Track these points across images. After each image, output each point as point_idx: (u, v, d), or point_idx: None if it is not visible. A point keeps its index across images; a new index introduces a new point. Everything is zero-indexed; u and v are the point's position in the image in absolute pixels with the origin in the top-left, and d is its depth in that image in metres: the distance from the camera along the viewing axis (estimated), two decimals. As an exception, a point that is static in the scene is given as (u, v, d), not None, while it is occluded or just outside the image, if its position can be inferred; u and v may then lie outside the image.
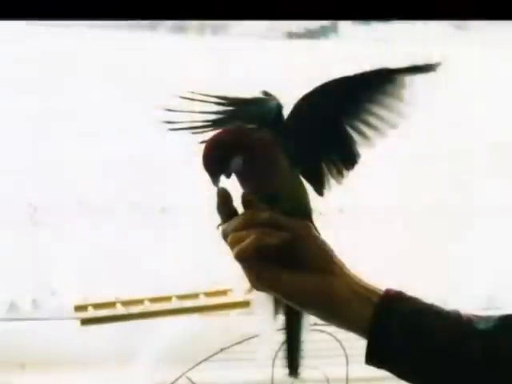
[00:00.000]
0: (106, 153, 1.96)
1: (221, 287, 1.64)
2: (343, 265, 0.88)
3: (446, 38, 1.94)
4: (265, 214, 0.86)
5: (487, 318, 0.86)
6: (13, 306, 1.88)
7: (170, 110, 0.92)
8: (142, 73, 1.96)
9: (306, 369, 0.94)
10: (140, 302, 1.62)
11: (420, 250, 1.88)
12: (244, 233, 0.85)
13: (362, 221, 1.88)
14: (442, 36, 1.93)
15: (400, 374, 0.87)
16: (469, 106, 1.92)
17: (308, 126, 0.88)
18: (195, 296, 1.63)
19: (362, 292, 0.86)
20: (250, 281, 0.87)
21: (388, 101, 0.87)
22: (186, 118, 0.93)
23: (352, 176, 0.94)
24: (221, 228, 0.86)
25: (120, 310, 1.60)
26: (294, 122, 0.88)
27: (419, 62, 0.85)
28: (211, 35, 1.98)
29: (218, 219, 0.88)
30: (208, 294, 1.63)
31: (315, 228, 0.88)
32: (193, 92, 0.93)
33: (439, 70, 0.85)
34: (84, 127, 1.93)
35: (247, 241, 0.84)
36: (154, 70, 1.96)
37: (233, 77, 1.86)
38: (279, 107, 0.91)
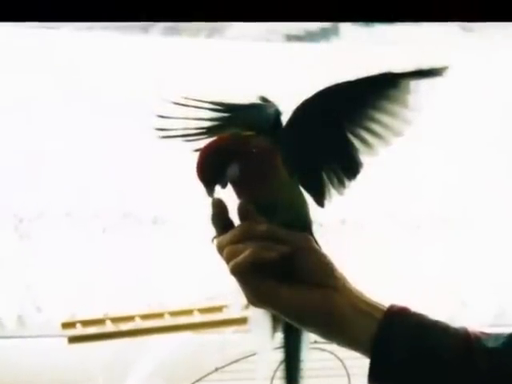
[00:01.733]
0: (95, 161, 1.96)
1: (216, 303, 1.64)
2: (345, 279, 0.88)
3: (452, 40, 1.94)
4: (262, 226, 0.86)
5: (496, 336, 0.86)
6: (-4, 323, 1.87)
7: (162, 117, 0.92)
8: (133, 78, 1.96)
9: (306, 389, 0.93)
10: (131, 318, 1.62)
11: (426, 264, 1.88)
12: (240, 246, 0.85)
13: (364, 233, 1.88)
14: (447, 38, 1.93)
15: None
16: (475, 111, 1.92)
17: (308, 133, 0.88)
18: (189, 312, 1.63)
19: (364, 308, 0.86)
20: (247, 296, 0.87)
21: (392, 107, 0.87)
22: (180, 125, 0.93)
23: (354, 186, 0.94)
24: (216, 241, 0.86)
25: (110, 327, 1.60)
26: (293, 128, 0.88)
27: (425, 65, 0.85)
28: (206, 38, 1.98)
29: (212, 231, 0.88)
30: (202, 311, 1.63)
31: (315, 241, 0.88)
32: (186, 97, 0.92)
33: (446, 73, 0.85)
34: (72, 135, 1.93)
35: (244, 254, 0.84)
36: (145, 74, 1.97)
37: (229, 81, 1.86)
38: (277, 113, 0.91)
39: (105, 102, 2.00)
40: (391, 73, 0.85)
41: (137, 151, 1.91)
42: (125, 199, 1.91)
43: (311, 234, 0.89)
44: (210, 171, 0.87)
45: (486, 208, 1.92)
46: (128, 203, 1.91)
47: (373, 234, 1.90)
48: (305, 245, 0.87)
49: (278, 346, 0.93)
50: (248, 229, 0.86)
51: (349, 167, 0.91)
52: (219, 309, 1.63)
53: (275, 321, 0.92)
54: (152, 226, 1.91)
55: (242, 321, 1.56)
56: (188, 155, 0.89)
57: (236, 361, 1.40)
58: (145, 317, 1.62)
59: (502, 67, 1.92)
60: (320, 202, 0.90)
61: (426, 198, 1.90)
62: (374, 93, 0.87)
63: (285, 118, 0.89)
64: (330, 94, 0.86)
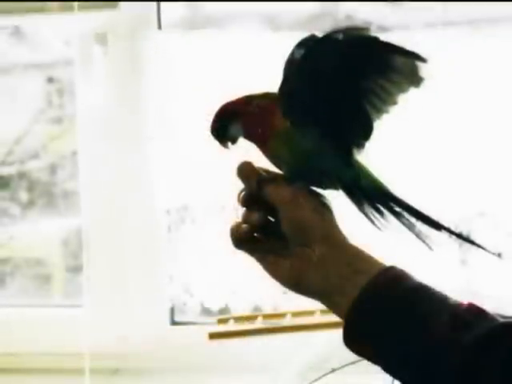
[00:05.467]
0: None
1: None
2: (343, 237, 0.89)
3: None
4: (249, 187, 0.89)
5: (491, 318, 0.84)
6: None
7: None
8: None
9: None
10: (282, 315, 1.64)
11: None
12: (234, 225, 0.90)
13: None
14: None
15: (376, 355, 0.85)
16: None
17: (317, 83, 0.91)
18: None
19: (361, 267, 0.86)
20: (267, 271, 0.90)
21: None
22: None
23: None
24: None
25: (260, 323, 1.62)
26: (302, 76, 0.91)
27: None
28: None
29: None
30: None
31: (315, 192, 0.89)
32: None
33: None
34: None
35: (234, 232, 0.88)
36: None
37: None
38: None
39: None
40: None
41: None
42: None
43: (316, 183, 0.91)
44: (216, 131, 0.99)
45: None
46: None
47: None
48: (291, 199, 0.88)
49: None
50: (239, 194, 0.91)
51: (361, 123, 0.93)
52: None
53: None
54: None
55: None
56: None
57: (353, 362, 1.39)
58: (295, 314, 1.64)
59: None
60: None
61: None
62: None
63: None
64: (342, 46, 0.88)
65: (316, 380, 1.56)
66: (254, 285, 1.89)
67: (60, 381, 1.99)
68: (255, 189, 0.93)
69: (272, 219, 0.95)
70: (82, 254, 2.00)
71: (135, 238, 2.01)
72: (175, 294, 1.99)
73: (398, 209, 0.95)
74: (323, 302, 0.91)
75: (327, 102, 0.93)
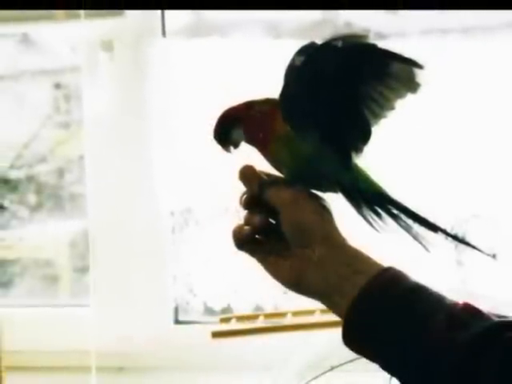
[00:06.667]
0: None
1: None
2: (342, 239, 0.89)
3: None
4: (250, 190, 0.90)
5: (487, 318, 0.84)
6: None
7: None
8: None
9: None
10: (283, 315, 1.64)
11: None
12: (237, 227, 0.92)
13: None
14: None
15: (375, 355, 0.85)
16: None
17: (317, 88, 0.91)
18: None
19: (360, 268, 0.86)
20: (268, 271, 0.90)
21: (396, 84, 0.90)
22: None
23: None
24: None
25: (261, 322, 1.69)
26: (301, 82, 0.92)
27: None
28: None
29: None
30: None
31: (314, 195, 0.90)
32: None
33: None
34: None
35: (236, 233, 0.89)
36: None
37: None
38: None
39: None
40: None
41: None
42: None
43: (316, 186, 0.91)
44: (219, 135, 0.98)
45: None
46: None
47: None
48: (291, 202, 0.89)
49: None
50: (241, 197, 0.92)
51: (360, 128, 0.94)
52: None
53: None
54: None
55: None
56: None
57: (351, 360, 1.38)
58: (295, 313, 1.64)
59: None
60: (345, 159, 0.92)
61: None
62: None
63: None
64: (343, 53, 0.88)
65: (315, 378, 1.56)
66: (255, 285, 1.91)
67: (67, 378, 2.00)
68: (257, 191, 0.94)
69: (273, 221, 0.95)
70: (88, 255, 2.01)
71: (140, 239, 2.02)
72: (179, 293, 2.01)
73: (395, 211, 0.95)
74: (323, 301, 0.91)
75: (327, 107, 0.93)
